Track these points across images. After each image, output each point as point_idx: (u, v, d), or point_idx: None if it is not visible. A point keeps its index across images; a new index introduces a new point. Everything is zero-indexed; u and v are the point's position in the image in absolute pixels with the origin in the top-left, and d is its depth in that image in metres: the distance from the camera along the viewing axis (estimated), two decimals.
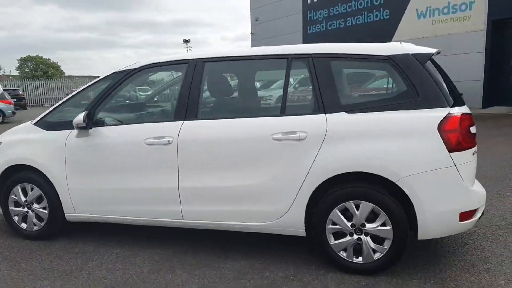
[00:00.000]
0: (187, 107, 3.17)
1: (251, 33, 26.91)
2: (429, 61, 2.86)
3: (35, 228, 3.69)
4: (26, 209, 3.69)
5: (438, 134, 2.65)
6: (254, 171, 2.97)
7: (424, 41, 17.89)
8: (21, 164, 3.64)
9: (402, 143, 2.70)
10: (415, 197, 2.68)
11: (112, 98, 3.49)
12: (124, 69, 3.47)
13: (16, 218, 3.75)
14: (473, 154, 2.77)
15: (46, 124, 3.62)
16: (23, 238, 3.74)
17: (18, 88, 30.00)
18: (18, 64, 63.36)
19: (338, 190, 2.84)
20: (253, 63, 3.24)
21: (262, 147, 2.94)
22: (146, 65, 3.41)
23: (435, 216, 2.70)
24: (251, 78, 3.51)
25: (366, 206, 2.78)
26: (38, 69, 60.46)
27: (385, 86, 3.21)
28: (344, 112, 2.84)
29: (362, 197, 2.78)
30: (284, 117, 2.96)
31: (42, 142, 3.57)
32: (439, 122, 2.66)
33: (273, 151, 2.92)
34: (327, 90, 2.91)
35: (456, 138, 2.66)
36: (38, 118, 3.71)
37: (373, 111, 2.80)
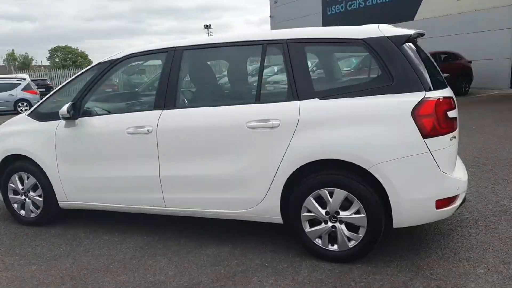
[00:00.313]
0: (165, 96, 3.19)
1: (270, 16, 26.61)
2: (408, 44, 2.75)
3: (33, 215, 3.85)
4: (23, 197, 3.86)
5: (412, 119, 2.56)
6: (230, 159, 2.98)
7: (448, 18, 17.21)
8: (18, 154, 3.78)
9: (375, 130, 2.63)
10: (389, 184, 2.62)
11: (97, 88, 3.55)
12: (108, 59, 3.52)
13: (15, 206, 3.92)
14: (451, 139, 2.66)
15: (38, 115, 3.74)
16: (22, 225, 3.91)
17: (46, 78, 30.92)
18: (49, 55, 65.39)
19: (312, 177, 2.81)
20: (230, 50, 3.21)
21: (237, 135, 2.93)
22: (128, 54, 3.44)
23: (410, 204, 2.64)
24: (233, 64, 3.47)
25: (340, 194, 2.74)
26: (67, 58, 62.29)
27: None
28: (317, 99, 2.79)
29: (336, 184, 2.75)
30: (258, 105, 2.93)
31: (34, 133, 3.70)
32: (413, 107, 2.57)
33: (248, 139, 2.91)
34: (301, 76, 2.85)
35: (431, 123, 2.57)
36: (31, 109, 3.83)
37: (347, 97, 2.73)
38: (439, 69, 3.13)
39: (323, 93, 2.81)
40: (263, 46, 3.00)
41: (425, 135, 2.56)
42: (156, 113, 3.19)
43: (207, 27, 42.02)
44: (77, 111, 3.43)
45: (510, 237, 3.08)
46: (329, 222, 2.82)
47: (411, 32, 2.76)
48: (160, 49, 3.33)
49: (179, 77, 3.19)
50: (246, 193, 2.99)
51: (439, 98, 2.59)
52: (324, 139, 2.72)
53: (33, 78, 25.19)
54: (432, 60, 3.16)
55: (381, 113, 2.64)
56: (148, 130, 3.17)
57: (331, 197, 2.77)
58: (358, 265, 2.81)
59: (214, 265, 2.93)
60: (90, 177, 3.49)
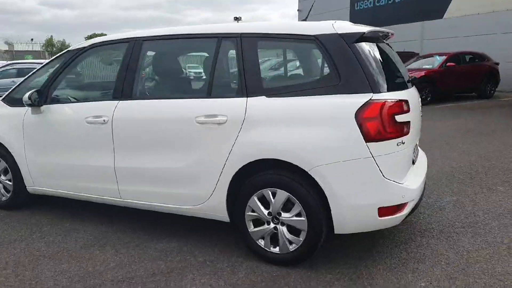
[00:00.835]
0: (123, 87, 3.18)
1: (298, 10, 26.28)
2: (362, 43, 2.61)
3: (3, 198, 3.95)
4: None
5: (355, 122, 2.43)
6: (180, 153, 2.94)
7: (479, 17, 16.47)
8: None
9: (317, 131, 2.51)
10: (328, 188, 2.51)
11: (64, 76, 3.58)
12: (75, 47, 3.55)
13: None
14: (398, 145, 2.51)
15: (11, 100, 3.82)
16: None
17: None
18: None
19: (257, 176, 2.73)
20: (187, 42, 3.16)
21: (187, 129, 2.88)
22: (94, 43, 3.45)
23: (351, 210, 2.51)
24: (187, 57, 3.42)
25: (282, 195, 2.65)
26: None
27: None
28: (264, 96, 2.70)
29: (278, 185, 2.65)
30: (208, 100, 2.87)
31: (5, 118, 3.78)
32: (357, 109, 2.44)
33: (196, 134, 2.86)
34: (251, 72, 2.77)
35: (375, 127, 2.43)
36: (5, 94, 3.91)
37: (294, 96, 2.63)
38: (402, 71, 2.98)
39: (271, 91, 2.71)
40: (218, 40, 2.93)
41: (368, 139, 2.43)
42: (113, 103, 3.19)
43: (237, 19, 41.81)
44: (43, 98, 3.47)
45: (468, 251, 2.90)
46: (271, 223, 2.74)
47: (364, 29, 2.62)
48: (122, 39, 3.31)
49: (137, 67, 3.17)
50: (195, 189, 2.94)
51: (385, 101, 2.45)
52: (266, 138, 2.63)
53: None
54: (396, 61, 3.00)
55: (324, 114, 2.52)
56: (104, 120, 3.17)
57: (273, 197, 2.69)
58: (299, 269, 2.72)
59: (157, 260, 2.91)
60: (53, 164, 3.53)
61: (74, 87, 3.94)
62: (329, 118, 2.50)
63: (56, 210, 3.92)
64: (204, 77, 2.97)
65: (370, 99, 2.45)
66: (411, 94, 2.89)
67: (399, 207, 2.55)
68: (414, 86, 3.28)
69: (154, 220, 3.58)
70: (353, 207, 2.51)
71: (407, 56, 14.96)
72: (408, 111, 2.59)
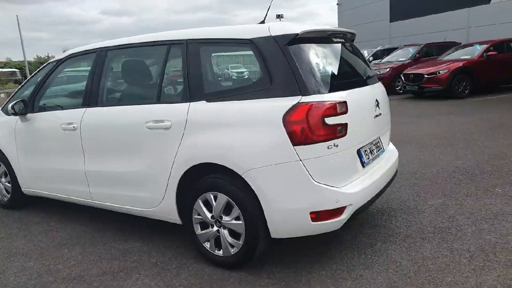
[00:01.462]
0: (90, 94, 3.35)
1: (337, 4, 25.73)
2: (304, 44, 2.56)
3: (5, 199, 4.30)
4: None
5: (282, 125, 2.40)
6: (135, 158, 3.05)
7: None
8: None
9: (248, 135, 2.50)
10: (261, 192, 2.50)
11: (47, 86, 3.83)
12: (55, 59, 3.80)
13: None
14: (330, 148, 2.43)
15: (5, 109, 4.14)
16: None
17: None
18: None
19: (200, 180, 2.77)
20: (143, 50, 3.25)
21: (139, 134, 2.99)
22: (69, 55, 3.69)
23: (283, 214, 2.48)
24: (143, 64, 3.49)
25: (222, 198, 2.67)
26: None
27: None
28: (204, 101, 2.73)
29: (219, 189, 2.68)
30: (157, 105, 2.95)
31: (2, 126, 4.11)
32: (284, 112, 2.40)
33: (147, 139, 2.95)
34: (194, 77, 2.81)
35: (302, 130, 2.38)
36: (4, 104, 4.25)
37: (230, 100, 2.64)
38: (358, 69, 2.89)
39: (210, 96, 2.74)
40: (168, 46, 3.00)
41: (295, 143, 2.39)
42: (82, 110, 3.37)
43: (279, 16, 41.64)
44: (27, 107, 3.75)
45: (425, 258, 2.74)
46: (214, 226, 2.77)
47: (298, 30, 2.55)
48: (92, 49, 3.49)
49: (102, 76, 3.32)
50: (149, 192, 3.04)
51: (312, 104, 2.38)
52: (204, 142, 2.66)
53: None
54: (350, 60, 2.91)
55: (255, 118, 2.51)
56: (74, 127, 3.37)
57: (215, 201, 2.72)
58: (242, 272, 2.72)
59: (114, 259, 3.05)
60: (39, 168, 3.80)
61: (55, 96, 4.19)
62: (260, 122, 2.49)
63: (49, 209, 4.21)
64: (157, 82, 3.05)
65: (298, 102, 2.40)
66: (362, 93, 2.80)
67: (334, 212, 2.48)
68: (379, 83, 3.17)
69: (132, 221, 3.72)
70: (285, 211, 2.48)
71: (446, 47, 14.15)
72: (344, 112, 2.51)
